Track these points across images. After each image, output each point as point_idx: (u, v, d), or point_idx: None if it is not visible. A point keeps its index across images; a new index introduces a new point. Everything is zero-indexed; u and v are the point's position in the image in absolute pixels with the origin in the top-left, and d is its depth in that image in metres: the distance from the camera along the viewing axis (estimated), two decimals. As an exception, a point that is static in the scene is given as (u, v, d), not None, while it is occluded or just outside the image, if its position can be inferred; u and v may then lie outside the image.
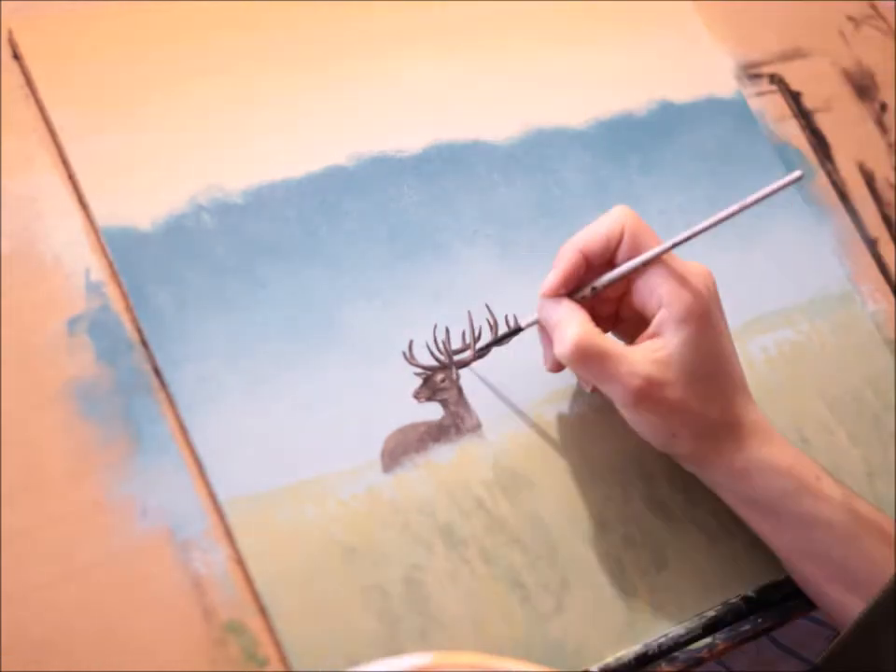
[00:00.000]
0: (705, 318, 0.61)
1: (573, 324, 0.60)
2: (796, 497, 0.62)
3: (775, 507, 0.62)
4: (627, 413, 0.61)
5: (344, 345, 0.62)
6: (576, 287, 0.62)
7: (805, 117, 0.82)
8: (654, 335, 0.61)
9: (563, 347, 0.60)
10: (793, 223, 0.77)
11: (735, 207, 0.61)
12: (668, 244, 0.61)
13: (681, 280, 0.61)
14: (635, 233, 0.61)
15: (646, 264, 0.61)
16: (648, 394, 0.60)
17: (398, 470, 0.60)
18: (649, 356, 0.60)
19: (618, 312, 0.65)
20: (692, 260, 0.62)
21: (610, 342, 0.60)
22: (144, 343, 0.58)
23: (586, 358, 0.60)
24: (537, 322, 0.64)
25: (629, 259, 0.61)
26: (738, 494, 0.63)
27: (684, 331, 0.60)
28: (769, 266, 0.75)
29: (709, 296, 0.61)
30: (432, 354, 0.64)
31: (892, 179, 0.83)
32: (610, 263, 0.62)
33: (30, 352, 0.56)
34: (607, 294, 0.63)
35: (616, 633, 0.61)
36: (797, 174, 0.59)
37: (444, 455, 0.62)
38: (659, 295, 0.61)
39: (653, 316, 0.61)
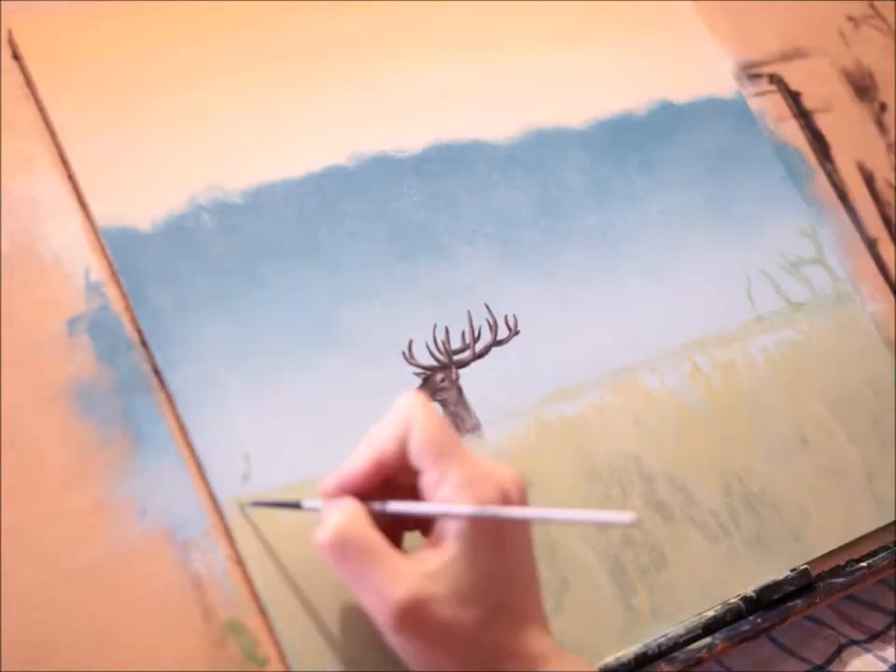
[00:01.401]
0: (492, 533, 0.52)
1: (340, 512, 0.52)
2: None
3: None
4: (389, 636, 0.52)
5: (344, 345, 0.62)
6: (370, 487, 0.54)
7: (804, 117, 0.82)
8: (432, 545, 0.52)
9: (321, 535, 0.52)
10: (793, 223, 0.77)
11: (562, 516, 0.55)
12: (469, 510, 0.51)
13: (471, 482, 0.52)
14: (423, 426, 0.53)
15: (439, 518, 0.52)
16: (410, 610, 0.50)
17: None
18: (420, 566, 0.51)
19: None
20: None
21: (381, 542, 0.52)
22: (144, 344, 0.58)
23: (345, 549, 0.51)
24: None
25: (418, 451, 0.53)
26: None
27: (462, 543, 0.51)
28: (767, 266, 0.75)
29: (503, 503, 0.52)
30: (432, 354, 0.64)
31: (892, 179, 0.83)
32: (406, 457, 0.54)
33: (30, 352, 0.56)
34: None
35: (616, 633, 0.61)
36: (628, 519, 0.48)
37: (444, 455, 0.62)
38: (443, 495, 0.52)
39: (435, 524, 0.53)
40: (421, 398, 0.54)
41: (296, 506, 0.56)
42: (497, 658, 0.52)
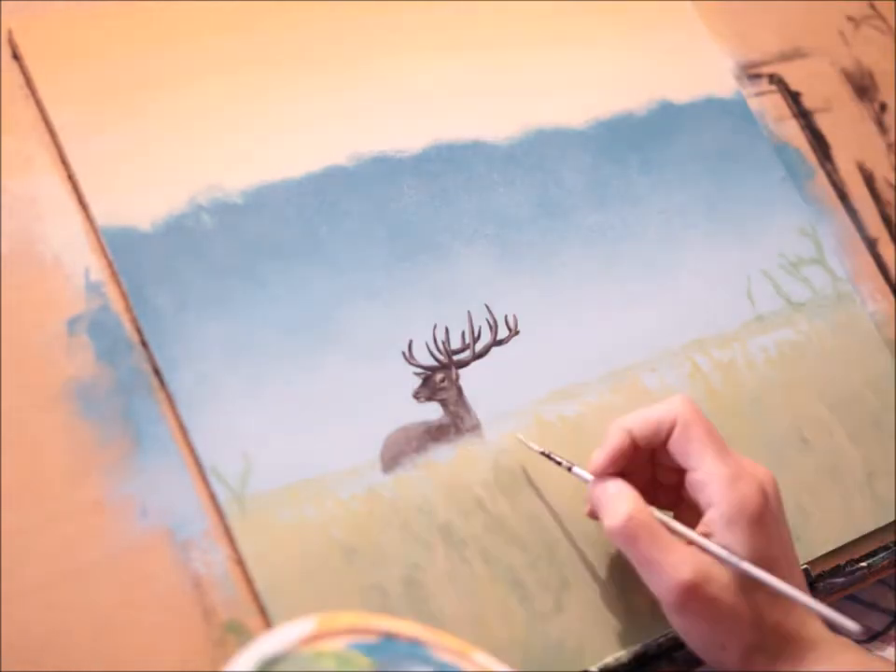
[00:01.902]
0: (756, 522, 0.57)
1: (627, 500, 0.58)
2: None
3: None
4: (673, 616, 0.58)
5: (344, 345, 0.62)
6: (624, 466, 0.60)
7: (804, 117, 0.82)
8: (703, 535, 0.58)
9: (614, 520, 0.57)
10: (793, 223, 0.77)
11: (807, 601, 0.57)
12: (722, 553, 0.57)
13: (732, 481, 0.58)
14: (687, 425, 0.59)
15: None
16: (694, 591, 0.56)
17: (397, 470, 0.60)
18: (698, 554, 0.57)
19: (680, 492, 0.61)
20: (751, 461, 0.60)
21: (662, 528, 0.58)
22: (143, 344, 0.58)
23: (637, 535, 0.57)
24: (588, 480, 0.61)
25: (680, 449, 0.59)
26: None
27: (733, 534, 0.57)
28: (767, 266, 0.75)
29: (763, 500, 0.58)
30: (432, 354, 0.64)
31: (892, 179, 0.83)
32: (664, 447, 0.60)
33: (30, 352, 0.56)
34: (667, 475, 0.62)
35: (616, 633, 0.61)
36: (854, 628, 0.55)
37: (444, 455, 0.62)
38: (708, 494, 0.58)
39: (703, 513, 0.59)
40: (692, 401, 0.60)
41: (568, 468, 0.61)
42: (775, 640, 0.57)
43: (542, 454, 0.62)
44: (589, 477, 0.60)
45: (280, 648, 0.48)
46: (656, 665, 0.61)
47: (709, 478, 0.58)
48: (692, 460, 0.59)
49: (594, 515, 0.61)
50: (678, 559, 0.56)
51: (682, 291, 0.71)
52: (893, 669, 0.59)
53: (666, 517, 0.59)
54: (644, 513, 0.58)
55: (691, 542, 0.58)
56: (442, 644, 0.51)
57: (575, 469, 0.61)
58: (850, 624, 0.55)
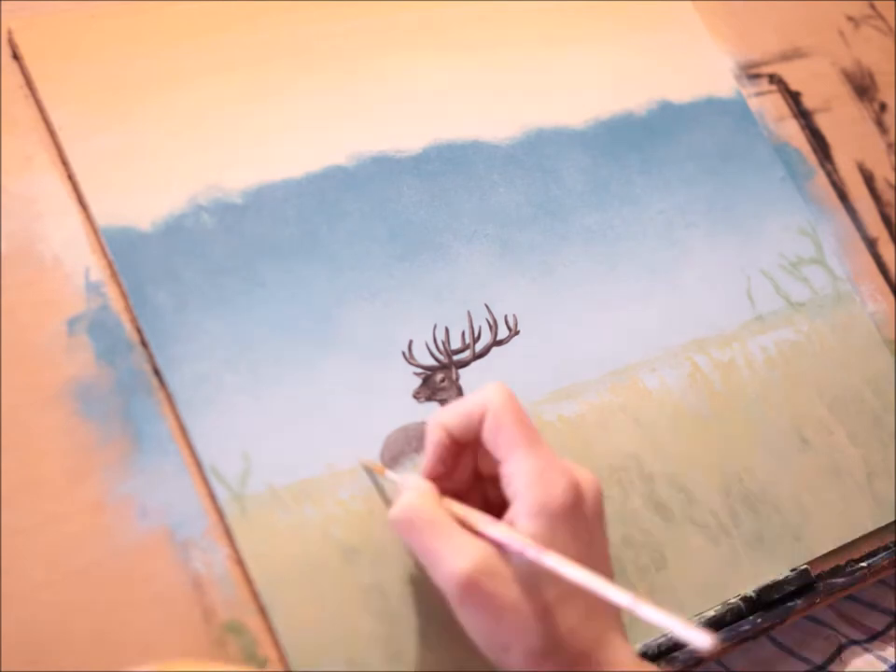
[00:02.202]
0: (561, 517, 0.53)
1: (414, 491, 0.55)
2: None
3: None
4: (455, 609, 0.53)
5: (344, 345, 0.62)
6: (452, 463, 0.57)
7: (804, 117, 0.82)
8: (509, 523, 0.54)
9: (393, 511, 0.55)
10: (793, 223, 0.77)
11: (629, 603, 0.50)
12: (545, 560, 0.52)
13: (540, 473, 0.54)
14: (497, 415, 0.55)
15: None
16: (473, 583, 0.51)
17: (398, 470, 0.60)
18: (482, 546, 0.53)
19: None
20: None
21: (448, 519, 0.54)
22: (143, 343, 0.58)
23: (413, 525, 0.54)
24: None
25: (491, 439, 0.55)
26: None
27: (532, 527, 0.53)
28: (767, 266, 0.75)
29: (573, 497, 0.53)
30: (432, 354, 0.64)
31: (892, 179, 0.83)
32: (478, 441, 0.56)
33: (29, 352, 0.56)
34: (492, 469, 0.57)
35: (616, 633, 0.61)
36: (705, 642, 0.46)
37: (444, 454, 0.62)
38: (515, 486, 0.54)
39: (510, 507, 0.54)
40: (505, 388, 0.56)
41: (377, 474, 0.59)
42: (567, 649, 0.52)
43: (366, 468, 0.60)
44: (398, 478, 0.58)
45: None
46: (656, 665, 0.61)
47: (517, 469, 0.54)
48: (501, 451, 0.55)
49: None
50: (457, 549, 0.52)
51: (682, 291, 0.71)
52: None
53: (467, 509, 0.55)
54: (427, 504, 0.54)
55: (479, 533, 0.54)
56: None
57: (388, 473, 0.59)
58: (700, 639, 0.47)
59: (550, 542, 0.52)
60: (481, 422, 0.56)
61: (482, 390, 0.57)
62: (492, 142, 0.70)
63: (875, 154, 0.84)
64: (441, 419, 0.57)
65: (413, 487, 0.56)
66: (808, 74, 0.84)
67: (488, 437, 0.56)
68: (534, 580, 0.52)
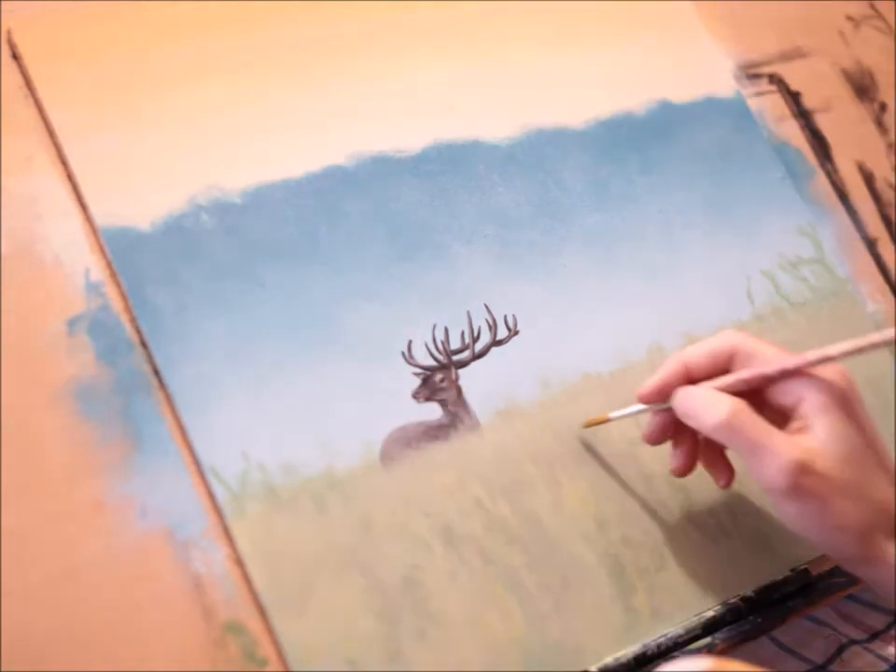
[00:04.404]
0: (846, 406, 0.59)
1: (724, 396, 0.59)
2: None
3: None
4: (785, 503, 0.58)
5: (344, 345, 0.62)
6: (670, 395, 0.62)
7: (804, 117, 0.82)
8: (799, 430, 0.59)
9: (719, 415, 0.58)
10: (793, 223, 0.77)
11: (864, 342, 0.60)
12: (794, 361, 0.59)
13: (814, 374, 0.59)
14: (748, 344, 0.61)
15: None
16: (805, 469, 0.56)
17: (397, 470, 0.60)
18: (802, 438, 0.58)
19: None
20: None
21: (759, 417, 0.59)
22: (143, 344, 0.58)
23: (742, 424, 0.58)
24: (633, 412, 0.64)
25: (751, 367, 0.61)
26: None
27: (829, 419, 0.58)
28: (767, 266, 0.75)
29: (847, 386, 0.59)
30: (431, 354, 0.64)
31: (892, 179, 0.83)
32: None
33: (30, 352, 0.56)
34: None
35: (615, 633, 0.61)
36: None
37: (443, 455, 0.62)
38: (796, 394, 0.59)
39: (793, 415, 0.59)
40: (743, 333, 0.62)
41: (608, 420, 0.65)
42: (887, 518, 0.57)
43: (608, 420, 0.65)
44: (638, 407, 0.63)
45: None
46: (656, 665, 0.61)
47: (796, 378, 0.59)
48: (768, 369, 0.60)
49: (654, 439, 0.63)
50: (784, 442, 0.57)
51: (682, 291, 0.71)
52: None
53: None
54: (743, 404, 0.58)
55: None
56: None
57: (616, 413, 0.64)
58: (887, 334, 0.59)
59: (848, 427, 0.58)
60: (728, 359, 0.61)
61: (720, 334, 0.62)
62: (492, 142, 0.70)
63: (875, 154, 0.83)
64: (684, 357, 0.61)
65: (719, 394, 0.59)
66: (808, 74, 0.84)
67: (740, 365, 0.60)
68: (851, 461, 0.57)
